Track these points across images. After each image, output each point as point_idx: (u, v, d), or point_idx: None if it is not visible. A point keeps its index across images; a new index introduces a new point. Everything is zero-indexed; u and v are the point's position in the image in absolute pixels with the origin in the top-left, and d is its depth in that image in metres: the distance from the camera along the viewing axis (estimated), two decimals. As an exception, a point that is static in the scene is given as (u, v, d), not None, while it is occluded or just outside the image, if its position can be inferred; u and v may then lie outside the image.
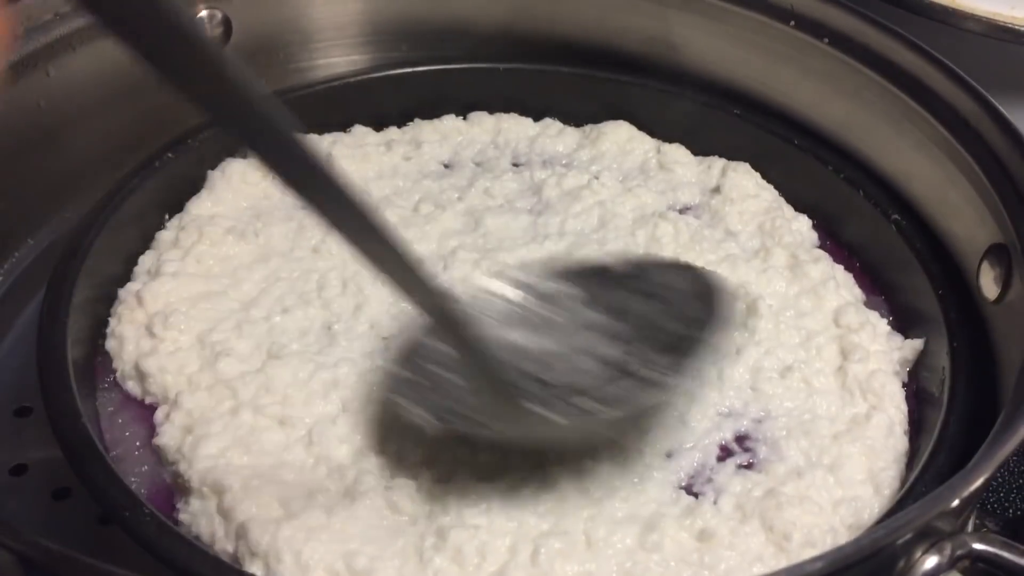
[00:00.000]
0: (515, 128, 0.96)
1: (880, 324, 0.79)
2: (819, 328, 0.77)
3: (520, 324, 0.69)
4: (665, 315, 0.69)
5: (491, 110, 0.97)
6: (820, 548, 0.63)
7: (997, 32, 0.98)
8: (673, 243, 0.83)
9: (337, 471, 0.67)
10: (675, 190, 0.90)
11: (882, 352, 0.76)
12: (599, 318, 0.70)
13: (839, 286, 0.80)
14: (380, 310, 0.78)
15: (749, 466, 0.69)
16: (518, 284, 0.71)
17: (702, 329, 0.68)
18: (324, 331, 0.76)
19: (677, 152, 0.93)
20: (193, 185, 0.87)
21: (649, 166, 0.93)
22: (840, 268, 0.83)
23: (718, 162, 0.92)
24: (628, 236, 0.84)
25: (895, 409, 0.73)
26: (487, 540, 0.63)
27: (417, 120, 0.96)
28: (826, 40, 0.87)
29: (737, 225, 0.87)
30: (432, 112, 0.96)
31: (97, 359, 0.76)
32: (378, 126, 0.96)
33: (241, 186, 0.87)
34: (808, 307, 0.79)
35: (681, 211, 0.89)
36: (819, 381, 0.74)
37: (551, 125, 0.97)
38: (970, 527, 0.67)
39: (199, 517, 0.65)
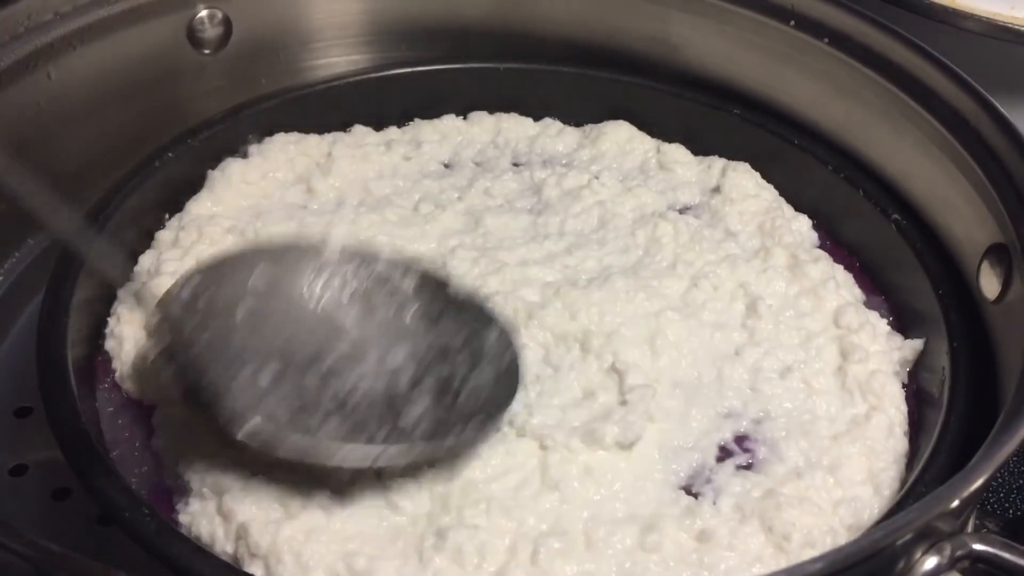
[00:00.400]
0: (515, 128, 0.96)
1: (880, 324, 0.78)
2: (819, 328, 0.77)
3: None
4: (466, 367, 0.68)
5: (491, 110, 0.97)
6: (820, 549, 0.63)
7: (997, 32, 0.98)
8: (673, 243, 0.83)
9: (336, 471, 0.66)
10: (675, 190, 0.90)
11: (882, 352, 0.76)
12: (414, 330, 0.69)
13: (839, 286, 0.80)
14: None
15: (748, 467, 0.69)
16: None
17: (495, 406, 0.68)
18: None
19: (677, 152, 0.93)
20: (193, 185, 0.87)
21: (649, 166, 0.93)
22: (840, 268, 0.83)
23: (718, 162, 0.92)
24: (628, 236, 0.84)
25: (895, 410, 0.73)
26: (486, 540, 0.63)
27: (417, 120, 0.96)
28: (826, 40, 0.87)
29: (737, 225, 0.86)
30: (432, 112, 0.96)
31: (97, 359, 0.76)
32: (378, 126, 0.96)
33: (241, 186, 0.87)
34: (808, 307, 0.79)
35: (681, 211, 0.89)
36: (819, 381, 0.74)
37: (551, 125, 0.97)
38: (970, 527, 0.67)
39: (199, 518, 0.65)
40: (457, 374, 0.68)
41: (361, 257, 0.71)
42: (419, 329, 0.69)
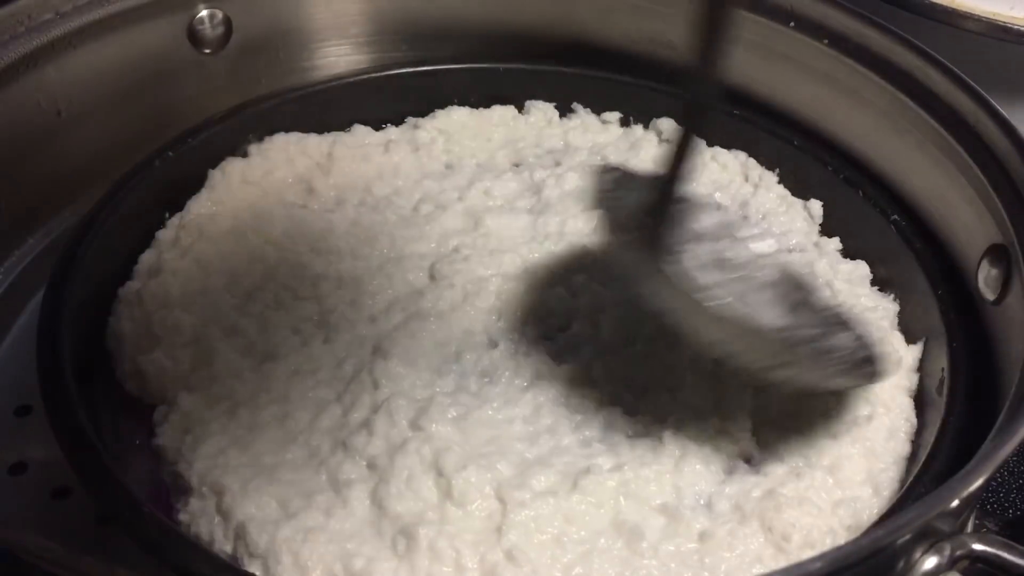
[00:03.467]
0: (515, 128, 0.96)
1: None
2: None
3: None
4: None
5: (491, 110, 0.97)
6: (819, 549, 0.63)
7: (997, 32, 0.97)
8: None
9: (335, 471, 0.67)
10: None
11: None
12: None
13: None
14: (375, 305, 0.78)
15: (748, 467, 0.69)
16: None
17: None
18: (320, 328, 0.76)
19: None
20: (193, 184, 0.87)
21: (649, 166, 0.93)
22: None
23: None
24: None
25: (896, 410, 0.73)
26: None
27: (417, 120, 0.96)
28: (826, 41, 0.87)
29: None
30: (432, 112, 0.96)
31: (97, 359, 0.76)
32: (378, 126, 0.96)
33: (241, 185, 0.87)
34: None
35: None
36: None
37: (552, 125, 0.96)
38: (970, 527, 0.67)
39: (198, 517, 0.65)
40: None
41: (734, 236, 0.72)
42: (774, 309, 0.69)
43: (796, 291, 0.71)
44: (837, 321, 0.69)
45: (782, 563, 0.63)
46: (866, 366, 0.67)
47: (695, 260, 0.69)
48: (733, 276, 0.69)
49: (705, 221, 0.73)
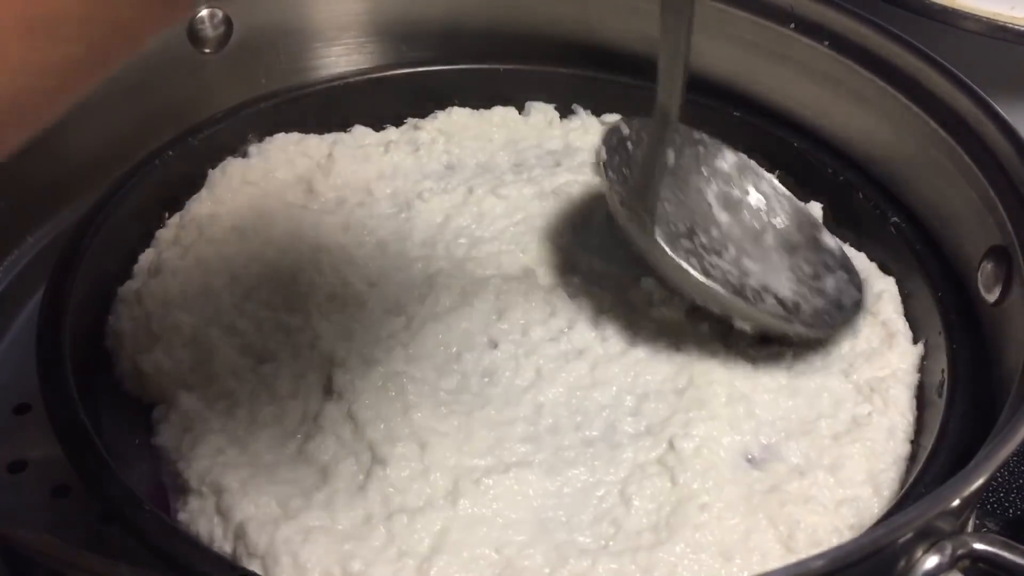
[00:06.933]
0: (516, 129, 0.96)
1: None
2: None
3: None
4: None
5: (491, 111, 0.97)
6: (826, 546, 0.63)
7: (997, 32, 0.97)
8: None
9: (335, 470, 0.66)
10: (675, 190, 0.90)
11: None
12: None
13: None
14: (373, 305, 0.78)
15: (749, 465, 0.69)
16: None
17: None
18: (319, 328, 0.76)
19: (677, 153, 0.93)
20: (193, 184, 0.87)
21: (649, 167, 0.93)
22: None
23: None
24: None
25: (896, 411, 0.73)
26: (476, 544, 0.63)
27: (417, 120, 0.96)
28: (826, 43, 0.87)
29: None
30: (432, 112, 0.96)
31: (97, 358, 0.76)
32: (378, 126, 0.96)
33: (241, 185, 0.87)
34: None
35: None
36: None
37: (553, 126, 0.96)
38: (970, 527, 0.67)
39: (197, 516, 0.65)
40: (799, 298, 0.75)
41: (753, 172, 0.82)
42: (775, 249, 0.78)
43: (799, 232, 0.79)
44: (832, 264, 0.78)
45: (791, 560, 0.63)
46: (845, 313, 0.75)
47: (703, 200, 0.78)
48: (737, 218, 0.78)
49: (719, 162, 0.82)
